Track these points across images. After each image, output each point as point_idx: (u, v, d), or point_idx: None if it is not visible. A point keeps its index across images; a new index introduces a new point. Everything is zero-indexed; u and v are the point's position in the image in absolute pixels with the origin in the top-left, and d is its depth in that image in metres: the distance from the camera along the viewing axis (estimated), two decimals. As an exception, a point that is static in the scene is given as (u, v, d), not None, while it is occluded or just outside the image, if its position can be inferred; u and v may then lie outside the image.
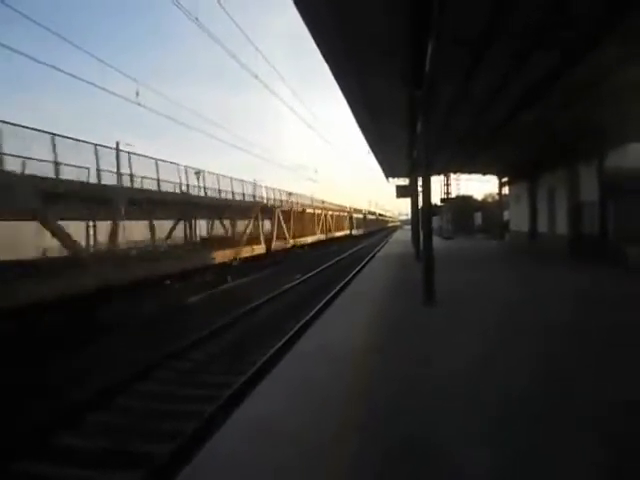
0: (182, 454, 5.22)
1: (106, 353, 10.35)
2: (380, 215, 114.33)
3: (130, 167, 16.58)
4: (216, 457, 3.84)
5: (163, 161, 18.86)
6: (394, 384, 5.26)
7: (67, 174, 13.52)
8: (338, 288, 17.09)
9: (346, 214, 63.26)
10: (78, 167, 13.95)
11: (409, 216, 46.87)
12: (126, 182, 16.23)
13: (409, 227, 41.40)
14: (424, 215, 11.10)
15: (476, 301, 10.33)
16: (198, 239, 23.90)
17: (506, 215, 35.53)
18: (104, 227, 15.74)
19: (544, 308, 9.33)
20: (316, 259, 32.08)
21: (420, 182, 15.97)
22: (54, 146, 13.05)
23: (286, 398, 4.96)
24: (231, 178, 26.84)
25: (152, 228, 19.04)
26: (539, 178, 26.22)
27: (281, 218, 33.69)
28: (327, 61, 10.45)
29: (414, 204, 25.05)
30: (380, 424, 4.24)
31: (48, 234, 12.85)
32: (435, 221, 36.42)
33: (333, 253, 37.45)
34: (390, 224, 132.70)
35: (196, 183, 21.79)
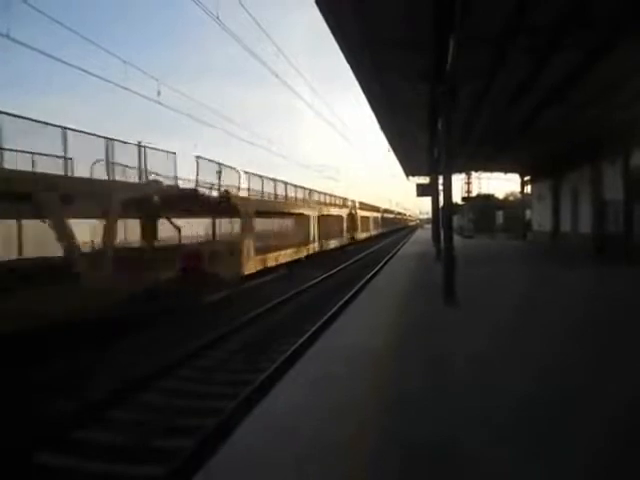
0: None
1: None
2: (400, 214, 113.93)
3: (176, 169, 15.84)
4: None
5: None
6: (412, 381, 5.25)
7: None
8: (360, 285, 17.13)
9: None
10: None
11: (429, 215, 47.01)
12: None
13: (429, 226, 41.03)
14: (445, 214, 11.03)
15: (497, 303, 10.19)
16: None
17: (528, 214, 35.13)
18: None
19: (568, 311, 9.17)
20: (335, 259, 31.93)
21: (441, 180, 15.89)
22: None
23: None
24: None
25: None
26: (562, 177, 25.88)
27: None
28: (347, 59, 10.47)
29: (435, 203, 24.91)
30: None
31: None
32: (456, 220, 36.06)
33: (353, 251, 37.34)
34: (410, 223, 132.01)
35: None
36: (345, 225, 41.70)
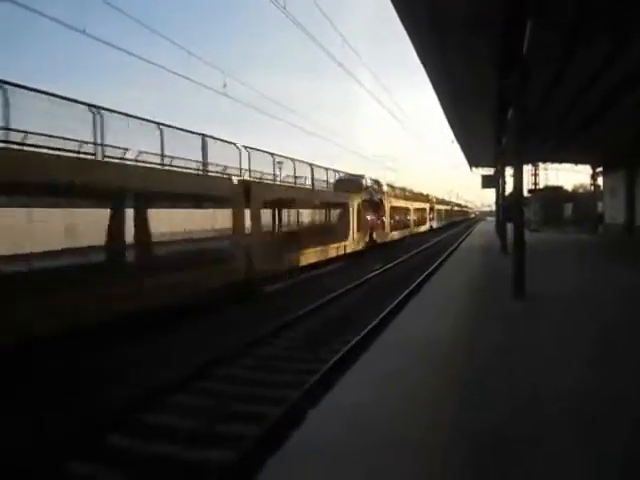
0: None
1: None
2: (465, 207, 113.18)
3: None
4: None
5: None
6: (473, 369, 5.23)
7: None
8: (428, 271, 17.47)
9: None
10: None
11: (491, 207, 47.22)
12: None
13: (491, 219, 40.01)
14: (515, 206, 10.63)
15: (567, 298, 9.75)
16: None
17: (599, 207, 33.52)
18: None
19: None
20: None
21: (508, 172, 15.43)
22: None
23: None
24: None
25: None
26: (638, 167, 24.51)
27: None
28: (413, 42, 10.25)
29: (500, 195, 24.21)
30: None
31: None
32: (521, 212, 34.84)
33: (423, 240, 37.18)
34: (472, 216, 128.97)
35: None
36: (427, 216, 52.92)
